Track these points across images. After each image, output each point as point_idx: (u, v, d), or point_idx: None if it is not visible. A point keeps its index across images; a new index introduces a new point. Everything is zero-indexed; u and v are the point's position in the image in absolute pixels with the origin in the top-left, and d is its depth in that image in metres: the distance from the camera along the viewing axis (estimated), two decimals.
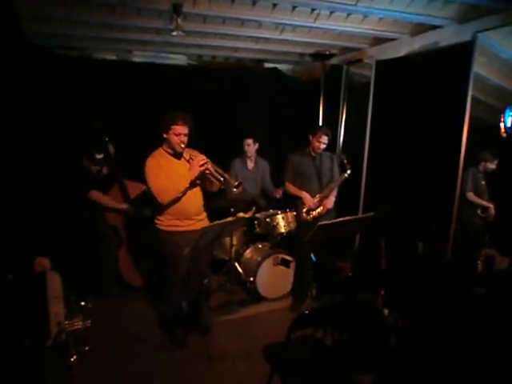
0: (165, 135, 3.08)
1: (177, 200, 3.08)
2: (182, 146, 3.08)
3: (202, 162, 3.02)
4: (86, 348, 3.22)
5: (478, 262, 3.71)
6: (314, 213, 3.91)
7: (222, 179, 3.09)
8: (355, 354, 2.47)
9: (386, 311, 2.98)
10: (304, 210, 3.92)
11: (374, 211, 3.21)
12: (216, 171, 3.10)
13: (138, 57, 5.12)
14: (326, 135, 3.84)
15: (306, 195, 3.89)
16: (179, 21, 3.45)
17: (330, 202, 3.94)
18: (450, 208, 3.68)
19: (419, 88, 3.98)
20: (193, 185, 3.16)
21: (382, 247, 3.58)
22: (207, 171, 3.08)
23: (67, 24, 3.98)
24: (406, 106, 4.14)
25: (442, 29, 3.84)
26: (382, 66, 4.48)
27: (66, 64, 4.43)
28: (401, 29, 4.14)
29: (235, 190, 3.15)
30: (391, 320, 2.85)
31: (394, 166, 4.25)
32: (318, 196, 3.91)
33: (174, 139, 3.05)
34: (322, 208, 3.91)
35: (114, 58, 5.06)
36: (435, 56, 3.86)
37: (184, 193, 3.07)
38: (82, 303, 3.26)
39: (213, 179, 3.14)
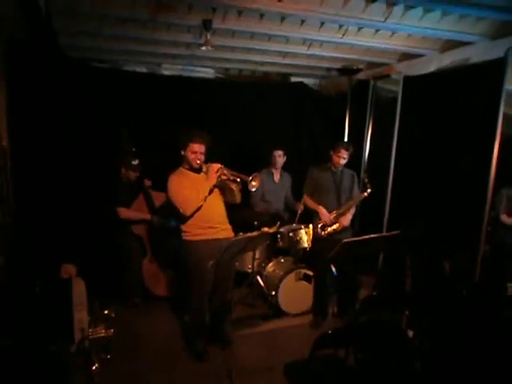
0: (182, 152, 3.20)
1: (199, 209, 3.14)
2: (198, 162, 3.18)
3: (216, 169, 3.12)
4: (108, 356, 3.25)
5: (509, 284, 3.59)
6: (329, 229, 3.86)
7: (238, 180, 3.16)
8: (379, 375, 2.41)
9: (410, 333, 2.90)
10: (319, 225, 3.88)
11: (400, 229, 3.15)
12: (231, 174, 3.16)
13: (167, 70, 5.22)
14: (346, 150, 3.81)
15: (322, 210, 3.85)
16: (208, 36, 3.51)
17: (347, 219, 3.88)
18: (478, 228, 3.58)
19: (448, 105, 3.92)
20: (214, 195, 3.24)
21: (408, 266, 3.50)
22: (224, 176, 3.16)
23: (100, 38, 4.10)
24: (433, 123, 4.08)
25: (473, 45, 3.78)
26: (410, 81, 4.44)
27: (98, 76, 4.57)
28: (430, 45, 4.09)
29: (253, 184, 3.11)
30: (416, 342, 2.77)
31: (421, 184, 4.17)
32: (334, 212, 3.85)
33: (191, 156, 3.17)
34: (337, 225, 3.85)
35: (144, 70, 5.17)
36: (465, 72, 3.80)
37: (205, 202, 3.14)
38: (106, 312, 3.30)
39: (229, 183, 3.21)
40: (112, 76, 4.67)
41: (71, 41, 4.06)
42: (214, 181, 3.11)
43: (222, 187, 3.31)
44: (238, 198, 3.36)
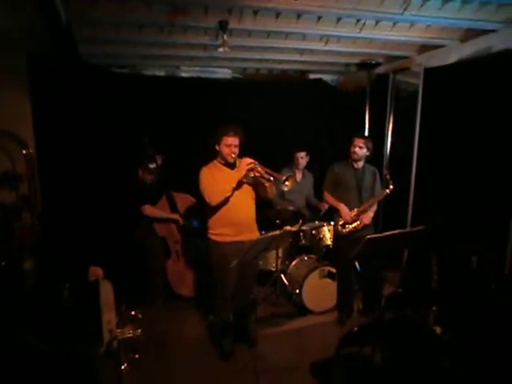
0: (217, 147, 3.22)
1: (227, 203, 3.14)
2: (233, 156, 3.18)
3: (249, 161, 3.10)
4: (136, 356, 3.30)
5: None
6: (349, 226, 3.80)
7: (271, 178, 3.12)
8: (406, 373, 2.38)
9: (438, 329, 2.85)
10: (340, 222, 3.83)
11: (425, 224, 3.10)
12: (265, 172, 3.13)
13: (185, 72, 5.25)
14: (360, 137, 3.78)
15: (343, 207, 3.80)
16: (225, 37, 3.53)
17: (368, 217, 3.81)
18: (506, 220, 3.49)
19: (471, 96, 3.82)
20: (245, 194, 3.23)
21: (433, 262, 3.43)
22: (257, 173, 3.13)
23: (118, 44, 4.17)
24: (456, 115, 3.98)
25: (495, 33, 3.67)
26: (431, 73, 4.35)
27: (117, 81, 4.64)
28: (450, 35, 3.99)
29: (287, 184, 3.10)
30: (445, 338, 2.72)
31: (446, 178, 4.08)
32: (355, 210, 3.80)
33: (226, 150, 3.17)
34: (358, 223, 3.78)
35: (162, 73, 5.22)
36: (488, 62, 3.69)
37: (233, 196, 3.14)
38: (133, 312, 3.35)
39: (263, 180, 3.17)
40: (131, 80, 4.74)
41: (90, 48, 4.12)
42: (242, 172, 3.09)
43: (254, 184, 3.29)
44: (271, 194, 3.32)
